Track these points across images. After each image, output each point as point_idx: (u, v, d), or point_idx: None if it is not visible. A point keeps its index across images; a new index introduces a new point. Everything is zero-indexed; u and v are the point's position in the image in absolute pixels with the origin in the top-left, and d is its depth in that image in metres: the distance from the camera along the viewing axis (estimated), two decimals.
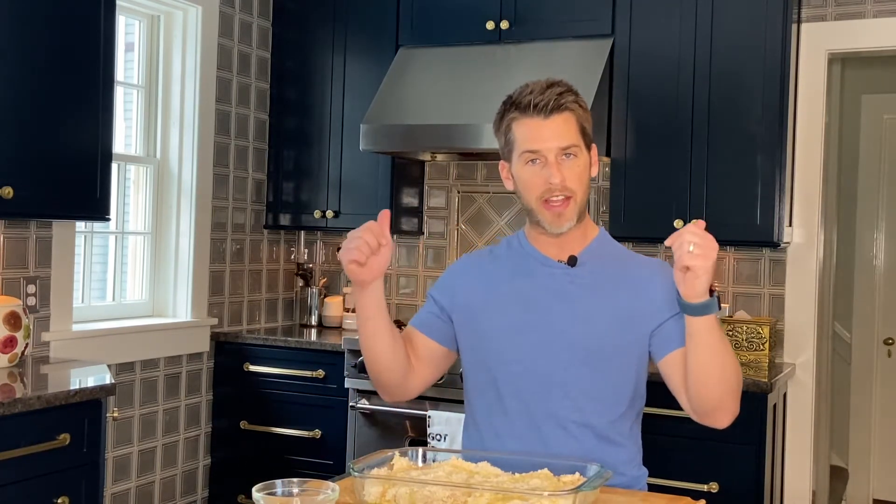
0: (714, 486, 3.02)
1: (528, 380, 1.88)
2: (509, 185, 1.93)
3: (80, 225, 3.45)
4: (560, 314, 1.87)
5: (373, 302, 1.84)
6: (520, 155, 1.87)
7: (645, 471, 1.96)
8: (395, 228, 3.99)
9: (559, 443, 1.86)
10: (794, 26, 3.43)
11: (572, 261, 1.90)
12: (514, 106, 1.87)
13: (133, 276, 3.79)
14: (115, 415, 3.25)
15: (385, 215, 1.77)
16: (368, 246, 1.73)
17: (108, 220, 3.11)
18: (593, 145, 1.91)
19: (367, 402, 3.52)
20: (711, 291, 1.68)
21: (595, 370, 1.86)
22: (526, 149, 1.85)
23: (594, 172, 1.92)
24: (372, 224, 1.75)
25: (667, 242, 1.65)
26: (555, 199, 1.84)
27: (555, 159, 1.83)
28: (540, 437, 1.87)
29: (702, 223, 1.64)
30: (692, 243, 1.60)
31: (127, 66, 3.75)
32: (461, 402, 2.11)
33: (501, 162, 1.94)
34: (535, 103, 1.83)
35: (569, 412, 1.86)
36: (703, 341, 1.71)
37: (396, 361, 1.91)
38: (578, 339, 1.85)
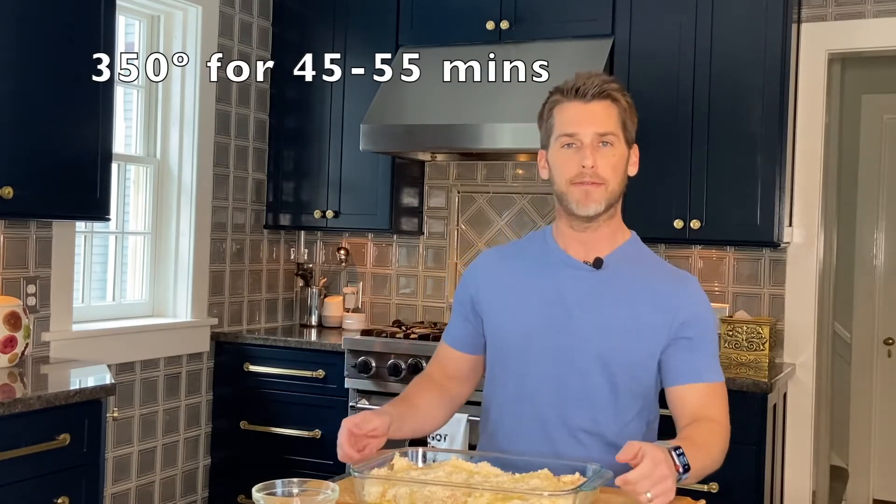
0: (714, 487, 3.02)
1: (543, 385, 1.86)
2: (544, 174, 1.90)
3: (80, 225, 3.45)
4: (579, 320, 1.84)
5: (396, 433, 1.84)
6: (557, 138, 1.84)
7: None
8: (396, 228, 3.99)
9: (568, 449, 1.84)
10: (794, 26, 3.43)
11: (598, 263, 1.86)
12: (557, 91, 1.86)
13: (133, 276, 3.79)
14: (115, 415, 3.25)
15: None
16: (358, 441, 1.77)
17: (108, 220, 3.12)
18: (635, 146, 1.89)
19: (367, 402, 3.52)
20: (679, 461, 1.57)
21: (610, 381, 1.83)
22: (563, 132, 1.83)
23: (632, 172, 1.89)
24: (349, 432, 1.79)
25: (618, 482, 1.49)
26: (585, 181, 1.80)
27: (591, 143, 1.80)
28: (550, 442, 1.85)
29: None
30: (647, 491, 1.46)
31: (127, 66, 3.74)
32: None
33: (540, 151, 1.92)
34: (578, 87, 1.82)
35: (582, 421, 1.85)
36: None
37: (434, 420, 1.97)
38: (595, 347, 1.82)
